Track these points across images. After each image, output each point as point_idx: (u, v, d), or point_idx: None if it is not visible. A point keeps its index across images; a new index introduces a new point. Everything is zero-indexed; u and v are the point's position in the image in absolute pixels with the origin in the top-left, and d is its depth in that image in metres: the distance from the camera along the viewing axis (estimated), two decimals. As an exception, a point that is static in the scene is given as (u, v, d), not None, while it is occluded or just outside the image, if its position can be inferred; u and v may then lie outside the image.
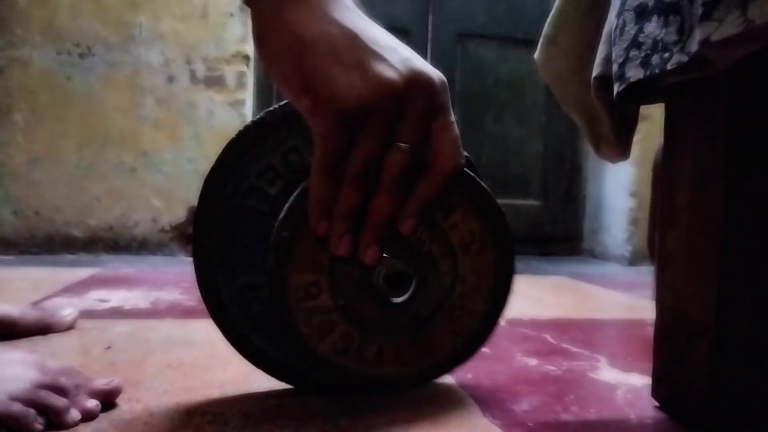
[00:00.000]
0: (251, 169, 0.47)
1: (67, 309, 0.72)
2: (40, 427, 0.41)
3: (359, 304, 0.42)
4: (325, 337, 0.42)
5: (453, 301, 0.42)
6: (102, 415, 0.45)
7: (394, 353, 0.43)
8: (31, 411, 0.41)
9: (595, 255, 1.90)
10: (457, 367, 0.50)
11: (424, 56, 1.94)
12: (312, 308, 0.42)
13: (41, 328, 0.68)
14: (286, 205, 0.43)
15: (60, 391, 0.43)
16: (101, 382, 0.47)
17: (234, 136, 0.48)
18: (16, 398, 0.41)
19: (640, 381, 0.60)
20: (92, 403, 0.45)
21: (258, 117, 0.48)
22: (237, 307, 0.49)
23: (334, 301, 0.42)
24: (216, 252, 0.48)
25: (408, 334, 0.43)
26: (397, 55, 0.39)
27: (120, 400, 0.48)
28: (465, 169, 0.42)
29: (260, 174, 0.47)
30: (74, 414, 0.43)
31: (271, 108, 0.48)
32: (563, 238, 1.95)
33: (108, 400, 0.47)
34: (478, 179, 0.43)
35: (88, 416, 0.44)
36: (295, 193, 0.43)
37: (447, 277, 0.39)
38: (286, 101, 0.47)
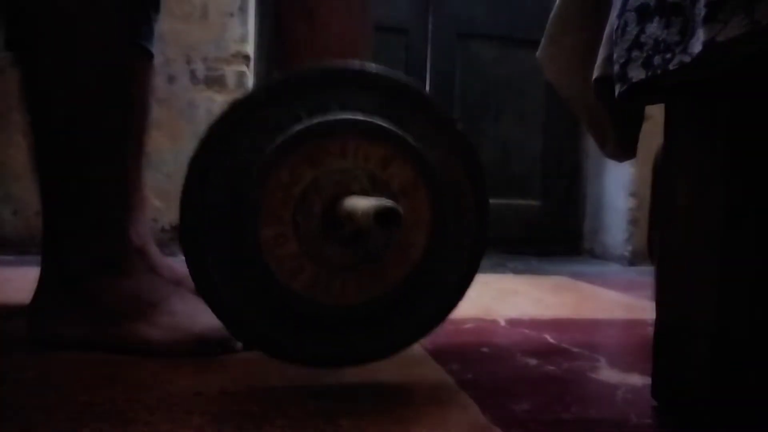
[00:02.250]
0: (239, 145, 0.49)
1: None
2: (239, 347, 0.62)
3: (322, 248, 0.49)
4: (297, 276, 0.49)
5: (398, 236, 0.51)
6: (102, 415, 0.45)
7: (355, 284, 0.50)
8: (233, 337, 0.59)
9: (595, 255, 1.90)
10: (412, 297, 0.53)
11: (424, 56, 1.93)
12: (282, 255, 0.48)
13: None
14: (253, 168, 0.47)
15: None
16: None
17: (222, 112, 0.49)
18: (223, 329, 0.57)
19: (640, 381, 0.60)
20: None
21: (245, 94, 0.51)
22: (228, 284, 0.50)
23: (300, 247, 0.48)
24: (204, 232, 0.49)
25: (365, 267, 0.50)
26: None
27: (120, 400, 0.48)
28: (397, 130, 0.49)
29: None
30: None
31: (259, 85, 0.50)
32: (563, 238, 1.95)
33: None
34: (402, 133, 0.49)
35: None
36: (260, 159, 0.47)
37: None
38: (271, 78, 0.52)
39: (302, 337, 0.51)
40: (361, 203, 0.45)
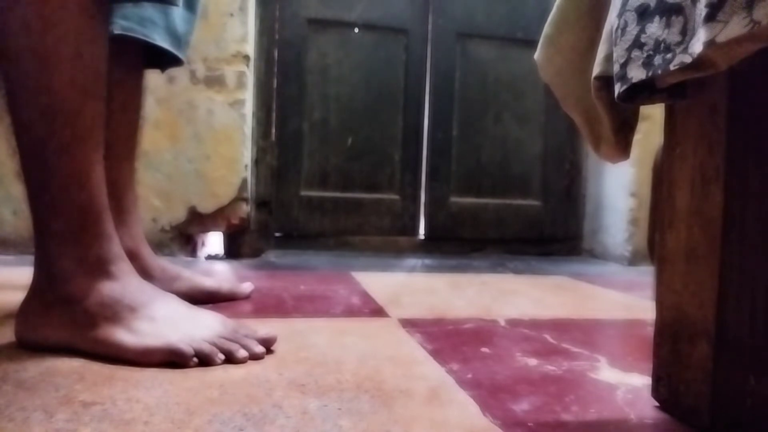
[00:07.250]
0: None
1: (246, 283, 0.99)
2: (219, 360, 0.59)
3: None
4: None
5: None
6: (102, 415, 0.45)
7: None
8: (215, 349, 0.60)
9: (595, 255, 1.90)
10: None
11: (424, 56, 1.92)
12: None
13: (230, 296, 0.93)
14: None
15: (234, 339, 0.63)
16: (262, 332, 0.65)
17: None
18: (205, 340, 0.60)
19: (640, 381, 0.60)
20: (260, 349, 0.63)
21: None
22: None
23: None
24: None
25: None
26: None
27: (120, 400, 0.48)
28: None
29: None
30: (242, 353, 0.61)
31: None
32: (563, 238, 1.95)
33: (267, 344, 0.65)
34: None
35: (256, 357, 0.62)
36: None
37: None
38: None
39: None
40: None
